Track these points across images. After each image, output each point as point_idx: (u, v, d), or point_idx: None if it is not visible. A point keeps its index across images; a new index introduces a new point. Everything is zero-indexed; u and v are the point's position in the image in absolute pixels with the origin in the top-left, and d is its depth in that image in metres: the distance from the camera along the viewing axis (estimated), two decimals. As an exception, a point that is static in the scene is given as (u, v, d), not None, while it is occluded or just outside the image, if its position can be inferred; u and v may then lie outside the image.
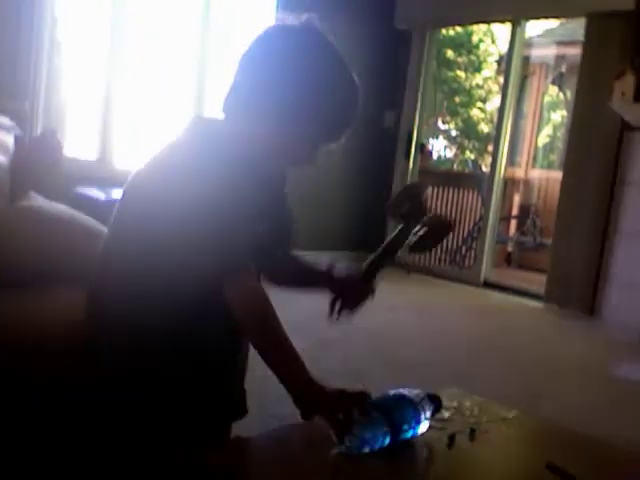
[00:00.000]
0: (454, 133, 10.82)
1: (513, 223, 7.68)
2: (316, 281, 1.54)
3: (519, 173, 8.00)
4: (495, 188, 5.33)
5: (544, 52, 8.19)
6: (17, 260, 1.66)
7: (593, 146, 4.52)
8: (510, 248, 7.47)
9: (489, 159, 5.81)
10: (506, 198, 6.88)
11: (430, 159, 8.65)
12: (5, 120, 2.23)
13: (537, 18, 5.66)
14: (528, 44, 7.22)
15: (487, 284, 5.35)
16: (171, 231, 1.22)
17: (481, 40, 10.22)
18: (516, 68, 5.27)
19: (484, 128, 10.40)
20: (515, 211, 7.67)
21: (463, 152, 10.65)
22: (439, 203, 7.06)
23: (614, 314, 4.39)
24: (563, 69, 8.22)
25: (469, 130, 10.53)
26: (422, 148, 5.98)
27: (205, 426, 1.32)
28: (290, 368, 1.18)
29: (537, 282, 5.28)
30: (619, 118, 4.37)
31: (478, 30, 9.88)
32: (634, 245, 4.36)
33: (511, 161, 7.49)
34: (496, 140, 5.36)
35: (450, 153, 10.99)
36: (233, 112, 1.34)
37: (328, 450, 1.11)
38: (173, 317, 1.25)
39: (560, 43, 8.09)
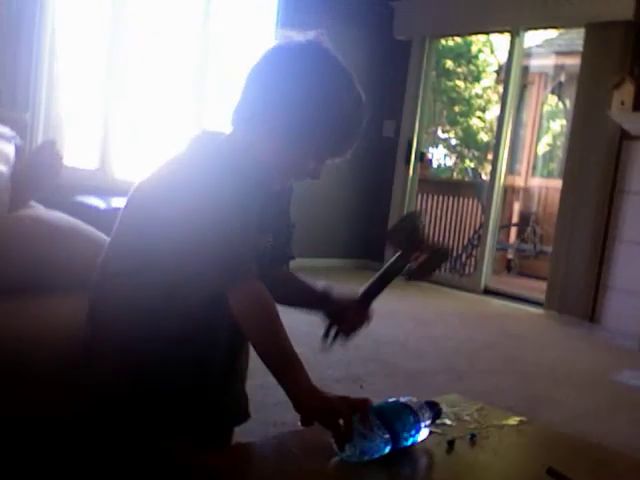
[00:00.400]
0: (454, 142, 10.84)
1: (513, 231, 7.70)
2: (311, 302, 1.53)
3: (519, 181, 8.02)
4: (495, 196, 5.34)
5: (543, 62, 8.22)
6: (17, 268, 1.66)
7: (592, 155, 4.53)
8: (510, 255, 7.48)
9: (489, 167, 5.82)
10: (506, 206, 6.90)
11: (430, 168, 8.67)
12: (6, 130, 2.23)
13: (536, 28, 5.68)
14: (527, 54, 7.25)
15: (487, 291, 5.35)
16: (173, 239, 1.23)
17: (480, 50, 10.25)
18: (515, 78, 5.29)
19: (484, 137, 10.42)
20: (515, 219, 7.69)
21: (463, 161, 10.67)
22: (439, 211, 7.08)
23: (614, 321, 4.39)
24: (562, 79, 8.25)
25: (469, 139, 10.56)
26: (422, 157, 5.99)
27: (207, 431, 1.32)
28: (291, 374, 1.17)
29: (537, 289, 5.29)
30: (618, 127, 4.38)
31: (477, 40, 9.92)
32: (633, 252, 4.36)
33: (511, 169, 7.51)
34: (496, 149, 5.37)
35: (450, 162, 11.02)
36: (240, 126, 1.35)
37: (328, 457, 1.12)
38: (174, 325, 1.25)
39: (559, 53, 8.13)
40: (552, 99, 8.80)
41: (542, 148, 8.77)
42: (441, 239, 7.04)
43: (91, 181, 4.22)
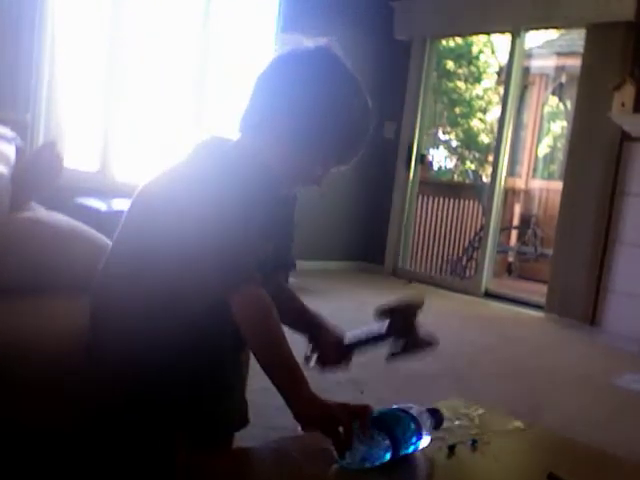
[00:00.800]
0: (454, 144, 10.84)
1: (514, 233, 7.69)
2: (301, 325, 1.50)
3: (519, 183, 8.02)
4: (496, 198, 5.34)
5: (544, 63, 8.22)
6: (17, 270, 1.66)
7: (593, 156, 4.53)
8: (511, 258, 7.47)
9: (489, 169, 5.81)
10: (507, 208, 6.90)
11: (431, 170, 8.67)
12: (6, 131, 2.23)
13: (537, 29, 5.68)
14: (528, 55, 7.24)
15: (488, 294, 5.34)
16: (176, 244, 1.23)
17: (481, 51, 10.25)
18: (516, 79, 5.28)
19: (484, 139, 10.42)
20: (516, 221, 7.68)
21: (463, 162, 10.66)
22: (440, 214, 7.08)
23: (615, 324, 4.39)
24: (563, 80, 8.25)
25: (469, 140, 10.56)
26: (422, 159, 5.98)
27: (207, 436, 1.32)
28: (291, 382, 1.17)
29: (538, 292, 5.28)
30: (619, 128, 4.38)
31: (478, 41, 9.92)
32: (634, 255, 4.36)
33: (511, 171, 7.50)
34: (496, 150, 5.37)
35: (451, 163, 11.01)
36: (248, 132, 1.35)
37: (329, 463, 1.11)
38: (175, 333, 1.24)
39: (560, 54, 8.12)
40: (553, 100, 8.80)
41: (543, 150, 8.77)
42: (441, 243, 7.05)
43: (91, 183, 4.22)
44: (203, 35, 4.80)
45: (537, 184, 8.06)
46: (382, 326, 1.40)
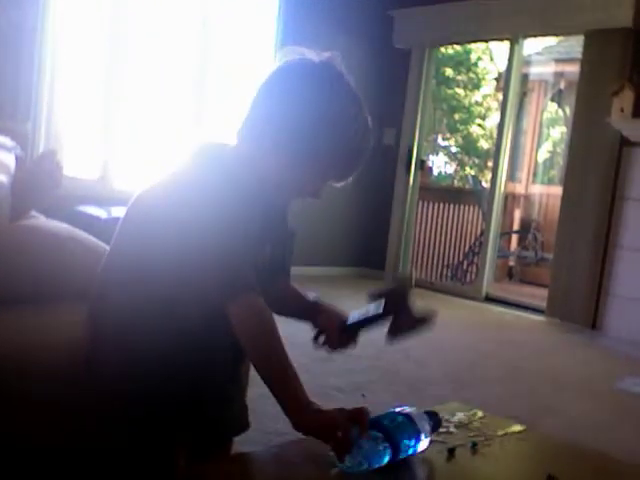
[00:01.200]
0: (454, 149, 10.85)
1: (514, 238, 7.69)
2: (301, 312, 1.52)
3: (519, 188, 8.02)
4: (496, 203, 5.35)
5: (543, 69, 8.24)
6: (17, 277, 1.66)
7: (592, 162, 4.54)
8: (512, 263, 7.47)
9: (489, 175, 5.82)
10: (507, 213, 6.90)
11: (430, 175, 8.68)
12: (6, 140, 2.24)
13: (535, 36, 5.70)
14: (527, 61, 7.26)
15: (489, 298, 5.35)
16: (173, 252, 1.23)
17: (480, 58, 10.27)
18: (515, 85, 5.30)
19: (484, 144, 10.43)
20: (516, 226, 7.68)
21: (463, 168, 10.67)
22: (440, 219, 7.08)
23: (616, 328, 4.39)
24: (562, 86, 8.26)
25: (469, 146, 10.57)
26: (422, 164, 6.00)
27: (207, 442, 1.32)
28: (289, 390, 1.16)
29: (539, 296, 5.28)
30: (618, 134, 4.39)
31: (476, 48, 9.94)
32: (634, 259, 4.36)
33: (511, 177, 7.51)
34: (496, 156, 5.38)
35: (450, 169, 11.02)
36: (247, 140, 1.35)
37: (329, 467, 1.11)
38: (174, 335, 1.25)
39: (559, 60, 8.14)
40: (552, 106, 8.81)
41: (542, 155, 8.78)
42: (442, 248, 7.05)
43: (92, 191, 4.23)
44: (202, 40, 4.81)
45: (537, 189, 8.07)
46: (379, 306, 1.40)
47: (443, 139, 10.79)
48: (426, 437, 1.20)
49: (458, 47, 9.25)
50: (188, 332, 1.23)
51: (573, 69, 6.19)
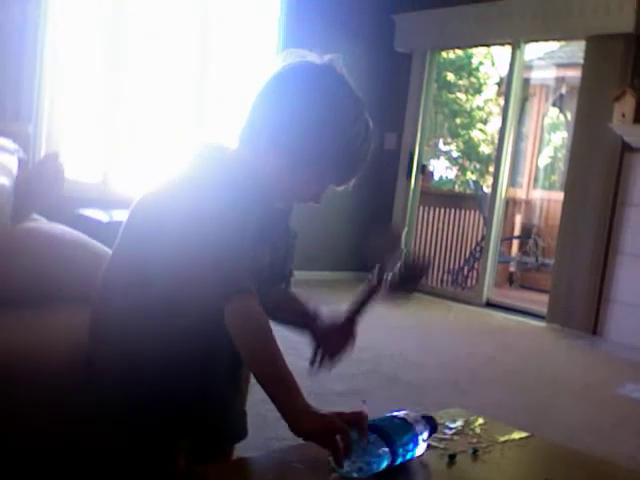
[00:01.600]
0: (455, 154, 10.86)
1: (515, 243, 7.69)
2: (301, 322, 1.50)
3: (520, 194, 8.03)
4: (497, 208, 5.34)
5: (544, 74, 8.24)
6: (19, 280, 1.67)
7: (594, 167, 4.54)
8: (512, 268, 7.47)
9: (490, 180, 5.82)
10: (508, 218, 6.90)
11: (431, 180, 8.67)
12: (8, 143, 2.24)
13: (537, 41, 5.70)
14: (528, 66, 7.27)
15: (489, 304, 5.34)
16: (174, 254, 1.23)
17: (481, 63, 10.28)
18: (516, 90, 5.30)
19: (485, 149, 10.43)
20: (517, 231, 7.68)
21: (464, 173, 10.67)
22: (441, 224, 7.07)
23: (616, 333, 4.38)
24: (563, 91, 8.27)
25: (470, 151, 10.57)
26: (423, 169, 6.00)
27: (207, 447, 1.32)
28: (286, 396, 1.15)
29: (539, 302, 5.28)
30: (619, 139, 4.39)
31: (478, 53, 9.95)
32: (635, 265, 4.36)
33: (512, 182, 7.51)
34: (497, 161, 5.38)
35: (451, 174, 11.02)
36: (247, 143, 1.34)
37: (329, 472, 1.11)
38: (174, 340, 1.25)
39: (560, 65, 8.15)
40: (553, 111, 8.82)
41: (543, 160, 8.78)
42: (443, 253, 7.05)
43: (93, 194, 4.24)
44: (204, 40, 4.82)
45: (538, 194, 8.07)
46: (372, 279, 1.40)
47: (444, 144, 10.79)
48: (424, 441, 1.20)
49: (460, 51, 9.26)
50: (188, 335, 1.23)
51: (574, 74, 6.19)
